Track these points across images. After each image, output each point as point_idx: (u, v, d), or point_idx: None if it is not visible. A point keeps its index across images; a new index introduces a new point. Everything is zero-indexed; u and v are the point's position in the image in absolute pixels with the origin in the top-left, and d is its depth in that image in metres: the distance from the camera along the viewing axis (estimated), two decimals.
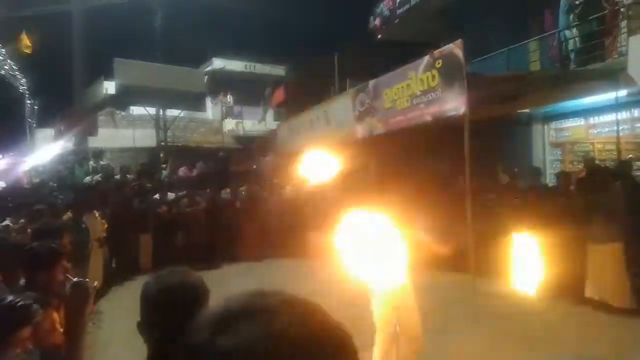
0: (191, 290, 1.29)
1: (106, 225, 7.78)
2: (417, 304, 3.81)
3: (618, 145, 8.15)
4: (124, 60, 13.96)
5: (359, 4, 15.98)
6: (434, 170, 10.81)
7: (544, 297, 6.15)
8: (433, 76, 7.10)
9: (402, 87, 7.94)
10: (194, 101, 15.59)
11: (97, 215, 8.13)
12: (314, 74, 18.89)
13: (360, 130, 9.51)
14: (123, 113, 16.94)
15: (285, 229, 9.54)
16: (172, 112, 15.25)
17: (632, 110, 8.57)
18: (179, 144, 15.37)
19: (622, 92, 7.30)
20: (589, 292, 5.73)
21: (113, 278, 7.77)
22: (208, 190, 10.01)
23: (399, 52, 8.93)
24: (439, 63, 6.93)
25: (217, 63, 19.28)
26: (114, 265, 8.37)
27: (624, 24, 8.31)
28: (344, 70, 13.44)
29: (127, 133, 15.67)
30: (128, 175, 11.29)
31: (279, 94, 18.70)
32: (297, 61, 19.70)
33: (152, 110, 14.85)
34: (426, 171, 10.62)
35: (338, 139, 10.32)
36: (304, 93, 15.21)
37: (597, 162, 8.54)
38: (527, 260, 6.73)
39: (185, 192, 9.83)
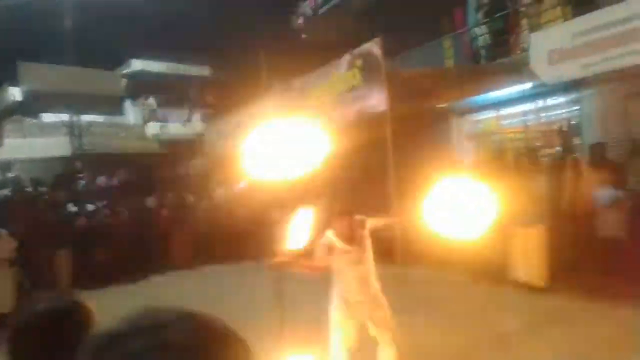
0: (62, 315, 1.20)
1: (15, 244, 7.15)
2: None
3: (526, 135, 8.81)
4: (30, 64, 12.91)
5: (285, 2, 15.91)
6: (363, 167, 11.07)
7: (469, 281, 6.56)
8: (354, 74, 7.26)
9: (326, 85, 8.05)
10: (111, 105, 14.75)
11: (2, 233, 7.46)
12: (240, 73, 18.61)
13: None
14: (33, 120, 15.67)
15: (217, 233, 9.32)
16: (88, 118, 14.35)
17: (537, 101, 9.28)
18: (98, 152, 14.45)
19: (527, 85, 7.88)
20: (513, 274, 6.13)
21: (30, 299, 7.16)
22: (131, 199, 9.53)
23: (323, 51, 9.01)
24: (359, 61, 7.10)
25: (136, 64, 18.36)
26: (29, 286, 7.72)
27: (525, 21, 8.99)
28: (271, 70, 13.36)
29: (38, 142, 14.49)
30: (40, 188, 10.47)
31: (206, 95, 18.26)
32: (222, 61, 19.26)
33: (64, 116, 13.87)
34: (356, 168, 10.85)
35: None
36: (231, 93, 14.94)
37: (507, 151, 9.15)
38: (454, 247, 7.10)
39: (105, 202, 9.28)
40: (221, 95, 16.39)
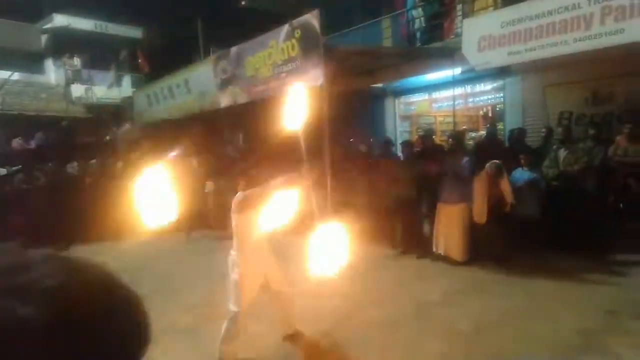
0: None
1: None
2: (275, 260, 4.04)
3: (454, 118, 9.22)
4: None
5: None
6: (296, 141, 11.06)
7: (397, 253, 6.86)
8: (293, 46, 7.15)
9: (264, 55, 7.87)
10: (29, 61, 13.53)
11: None
12: (175, 38, 17.68)
13: (223, 99, 9.24)
14: None
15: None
16: (2, 75, 13.07)
17: (466, 86, 9.72)
18: (13, 112, 13.27)
19: (458, 70, 8.21)
20: (436, 248, 6.48)
21: None
22: (50, 165, 8.88)
23: (263, 19, 8.77)
24: (297, 33, 6.99)
25: (60, 20, 16.82)
26: None
27: (459, 7, 9.30)
28: (208, 36, 12.82)
29: None
30: None
31: (137, 59, 17.19)
32: (156, 23, 18.18)
33: None
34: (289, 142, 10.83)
35: (200, 107, 9.93)
36: (164, 58, 14.21)
37: (434, 133, 9.56)
38: (382, 222, 7.33)
39: (20, 166, 8.58)
40: (154, 59, 15.51)
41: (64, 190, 8.20)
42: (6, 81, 13.10)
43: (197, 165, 9.68)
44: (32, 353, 0.40)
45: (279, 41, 7.42)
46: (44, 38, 15.70)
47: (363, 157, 8.40)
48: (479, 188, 6.06)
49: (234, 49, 8.71)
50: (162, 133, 11.30)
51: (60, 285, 0.44)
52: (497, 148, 7.51)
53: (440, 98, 10.45)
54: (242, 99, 8.75)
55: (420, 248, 6.75)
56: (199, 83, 9.94)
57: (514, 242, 6.08)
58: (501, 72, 8.74)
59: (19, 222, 7.63)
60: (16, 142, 10.96)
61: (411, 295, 5.24)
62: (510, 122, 8.96)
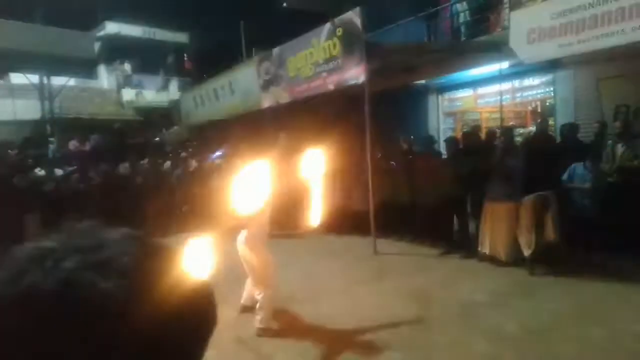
0: None
1: None
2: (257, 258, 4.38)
3: (501, 114, 8.92)
4: None
5: None
6: (339, 139, 11.07)
7: (440, 253, 6.72)
8: (334, 44, 7.16)
9: (306, 55, 7.93)
10: (84, 68, 14.24)
11: None
12: (219, 41, 18.12)
13: (266, 100, 9.39)
14: (1, 81, 15.03)
15: (193, 202, 9.22)
16: (59, 82, 13.84)
17: (513, 81, 9.39)
18: (70, 116, 14.02)
19: (505, 64, 7.94)
20: (482, 247, 6.29)
21: None
22: (103, 165, 9.31)
23: (304, 20, 8.84)
24: (339, 31, 7.00)
25: (111, 27, 17.63)
26: None
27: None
28: (251, 39, 13.07)
29: (5, 104, 13.93)
30: (9, 151, 10.13)
31: (184, 63, 17.78)
32: (201, 28, 18.72)
33: (34, 78, 13.34)
34: (332, 139, 10.84)
35: (244, 109, 10.12)
36: (209, 61, 14.60)
37: (480, 129, 9.27)
38: (426, 221, 7.22)
39: (76, 167, 9.05)
40: (199, 63, 15.97)
41: (117, 189, 8.58)
42: (63, 87, 13.86)
43: (240, 164, 9.86)
44: (112, 325, 0.42)
45: (320, 40, 7.45)
46: (97, 45, 16.49)
47: (404, 154, 8.29)
48: (525, 217, 5.76)
49: (276, 50, 8.83)
50: (208, 134, 11.63)
51: (139, 262, 0.46)
52: (548, 144, 7.20)
53: (486, 93, 10.14)
54: (284, 99, 8.85)
55: (465, 247, 6.58)
56: (243, 84, 10.15)
57: (567, 241, 5.81)
58: (551, 65, 8.39)
59: (73, 219, 8.04)
60: (72, 144, 11.57)
61: (456, 295, 5.11)
62: (561, 117, 8.58)
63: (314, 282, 5.83)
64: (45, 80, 12.98)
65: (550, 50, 6.86)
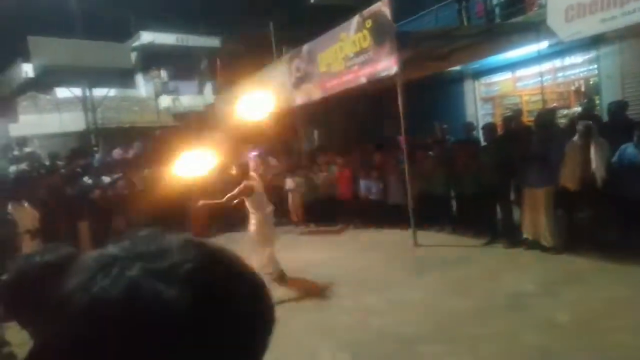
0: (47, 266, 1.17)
1: (38, 216, 7.33)
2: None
3: (543, 96, 8.56)
4: (39, 38, 12.90)
5: None
6: (374, 132, 10.99)
7: (483, 243, 6.55)
8: (364, 37, 7.08)
9: (336, 49, 7.89)
10: (122, 78, 14.77)
11: (25, 205, 7.64)
12: (250, 43, 18.31)
13: (298, 97, 9.41)
14: (47, 97, 15.80)
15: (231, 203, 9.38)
16: (101, 93, 14.41)
17: (554, 61, 8.99)
18: (111, 125, 14.58)
19: (544, 44, 7.61)
20: (525, 233, 6.09)
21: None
22: (146, 171, 9.63)
23: (333, 15, 8.78)
24: (368, 23, 6.91)
25: (146, 37, 18.16)
26: None
27: None
28: (281, 38, 13.13)
29: (53, 118, 14.64)
30: (58, 162, 10.65)
31: (217, 66, 18.09)
32: (232, 31, 19.00)
33: (77, 91, 13.95)
34: (367, 133, 10.77)
35: (277, 107, 10.18)
36: (242, 63, 14.78)
37: (522, 113, 8.92)
38: (467, 211, 7.06)
39: (121, 174, 9.40)
40: (232, 66, 16.20)
41: (160, 193, 8.85)
42: (104, 98, 14.41)
43: (275, 163, 9.95)
44: (177, 334, 0.42)
45: (350, 33, 7.38)
46: (133, 55, 17.05)
47: (440, 144, 8.11)
48: (570, 153, 5.61)
49: (305, 47, 8.83)
50: (244, 135, 11.79)
51: (201, 269, 0.46)
52: (596, 124, 6.85)
53: (525, 76, 9.74)
54: (316, 95, 8.84)
55: (509, 236, 6.37)
56: (274, 83, 10.21)
57: (620, 226, 5.52)
58: (593, 41, 7.97)
59: (121, 224, 8.38)
60: (116, 152, 12.03)
61: (502, 285, 4.96)
62: (607, 96, 8.14)
63: (354, 276, 5.82)
64: (87, 93, 13.54)
65: (591, 25, 6.52)
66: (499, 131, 7.24)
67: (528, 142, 6.11)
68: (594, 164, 5.48)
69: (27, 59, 14.80)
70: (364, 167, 8.78)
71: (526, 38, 7.64)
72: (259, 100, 7.27)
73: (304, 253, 7.25)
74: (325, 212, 9.28)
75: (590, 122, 5.69)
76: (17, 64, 16.37)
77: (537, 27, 7.34)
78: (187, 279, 0.45)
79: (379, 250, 6.94)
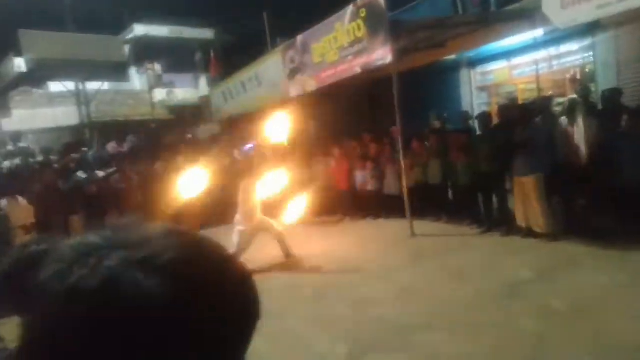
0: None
1: (32, 211, 7.30)
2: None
3: (538, 84, 8.53)
4: (30, 31, 12.77)
5: None
6: (369, 122, 10.95)
7: (479, 232, 6.56)
8: (359, 26, 7.02)
9: (330, 39, 7.81)
10: (115, 71, 14.64)
11: (20, 200, 7.60)
12: (244, 34, 18.16)
13: (292, 89, 9.35)
14: (40, 91, 15.66)
15: (227, 196, 9.34)
16: (94, 87, 14.28)
17: (549, 48, 8.94)
18: (106, 119, 14.48)
19: (539, 32, 7.56)
20: (519, 221, 6.10)
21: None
22: (141, 164, 9.57)
23: (328, 4, 8.70)
24: (363, 12, 6.85)
25: (139, 29, 17.96)
26: None
27: None
28: (276, 29, 13.03)
29: (46, 112, 14.49)
30: (51, 157, 10.57)
31: (211, 58, 17.98)
32: (226, 22, 18.84)
33: (71, 85, 13.81)
34: (363, 124, 10.73)
35: (271, 100, 10.12)
36: (236, 55, 14.69)
37: (517, 101, 8.90)
38: (463, 200, 7.06)
39: (115, 168, 9.34)
40: (226, 57, 16.10)
41: (155, 187, 8.80)
42: (98, 92, 14.29)
43: (271, 156, 9.90)
44: (156, 324, 0.41)
45: (344, 23, 7.31)
46: (127, 48, 16.90)
47: (437, 133, 8.09)
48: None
49: (299, 38, 8.75)
50: (239, 127, 11.74)
51: (182, 259, 0.45)
52: (590, 111, 6.84)
53: (521, 64, 9.69)
54: (311, 86, 8.78)
55: (505, 224, 6.38)
56: (269, 75, 10.14)
57: (614, 212, 5.52)
58: (589, 28, 7.92)
59: (115, 219, 8.33)
60: (111, 146, 11.95)
61: (499, 273, 4.97)
62: (603, 83, 8.11)
63: (351, 266, 5.82)
64: (81, 87, 13.41)
65: (588, 12, 6.48)
66: (494, 120, 7.22)
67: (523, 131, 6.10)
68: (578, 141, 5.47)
69: (19, 53, 14.67)
70: (359, 158, 8.75)
71: (522, 26, 7.59)
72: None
73: (301, 244, 7.24)
74: (322, 203, 9.26)
75: (576, 97, 5.65)
76: (9, 58, 16.22)
77: (532, 15, 7.29)
78: (167, 268, 0.43)
79: (376, 241, 6.93)
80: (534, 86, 9.19)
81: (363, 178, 8.59)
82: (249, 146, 10.58)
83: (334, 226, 8.60)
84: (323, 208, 9.28)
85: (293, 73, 9.19)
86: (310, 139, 11.93)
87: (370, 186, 8.50)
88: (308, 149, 10.38)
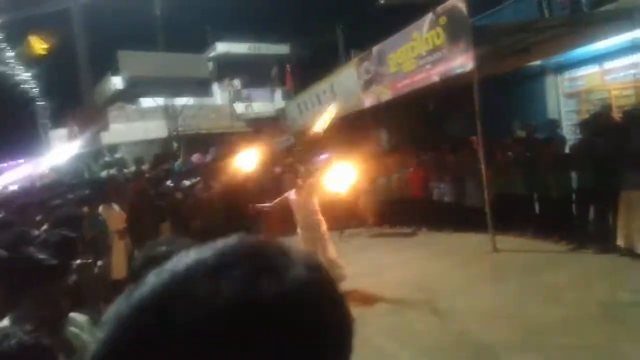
0: None
1: (125, 217, 7.88)
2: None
3: (636, 90, 7.84)
4: (128, 52, 13.98)
5: None
6: (447, 132, 10.66)
7: (570, 248, 6.10)
8: (438, 34, 6.89)
9: (407, 49, 7.75)
10: (200, 87, 15.54)
11: (114, 207, 8.25)
12: (319, 48, 18.58)
13: (367, 99, 9.36)
14: (133, 106, 17.03)
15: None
16: (181, 102, 15.28)
17: None
18: (191, 132, 15.42)
19: (638, 33, 6.97)
20: (619, 240, 5.58)
21: None
22: (222, 175, 10.02)
23: (402, 15, 8.65)
24: (442, 20, 6.72)
25: (221, 47, 19.02)
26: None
27: None
28: (349, 41, 13.19)
29: (138, 126, 15.74)
30: (142, 167, 11.41)
31: (287, 72, 18.55)
32: (301, 37, 19.40)
33: (160, 101, 14.89)
34: (439, 133, 10.47)
35: (345, 110, 10.20)
36: (310, 68, 15.03)
37: (611, 109, 8.21)
38: (550, 214, 6.61)
39: (199, 178, 9.87)
40: (301, 71, 16.53)
41: (235, 195, 9.19)
42: (184, 106, 15.27)
43: (343, 166, 9.94)
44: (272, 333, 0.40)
45: (422, 32, 7.22)
46: (210, 65, 17.94)
47: (523, 143, 7.67)
48: None
49: (375, 49, 8.77)
50: (314, 138, 11.94)
51: (313, 279, 0.46)
52: None
53: (615, 68, 8.93)
54: (386, 96, 8.75)
55: (599, 242, 5.86)
56: (344, 86, 10.23)
57: None
58: None
59: (197, 226, 8.78)
60: (195, 157, 12.67)
61: (594, 293, 4.58)
62: None
63: (429, 280, 5.64)
64: (169, 102, 14.40)
65: None
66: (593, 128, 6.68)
67: (625, 141, 5.58)
68: None
69: (116, 72, 16.10)
70: (437, 169, 8.53)
71: (618, 27, 7.03)
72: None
73: (376, 255, 7.17)
74: (397, 214, 9.14)
75: None
76: (107, 77, 17.86)
77: (631, 14, 6.74)
78: (306, 287, 0.44)
79: (454, 254, 6.69)
80: (630, 92, 8.46)
81: (440, 189, 8.35)
82: (322, 157, 10.70)
83: (409, 238, 8.43)
84: (397, 219, 9.15)
85: (368, 84, 9.21)
86: (383, 148, 11.86)
87: (448, 197, 8.24)
88: (382, 159, 10.31)
